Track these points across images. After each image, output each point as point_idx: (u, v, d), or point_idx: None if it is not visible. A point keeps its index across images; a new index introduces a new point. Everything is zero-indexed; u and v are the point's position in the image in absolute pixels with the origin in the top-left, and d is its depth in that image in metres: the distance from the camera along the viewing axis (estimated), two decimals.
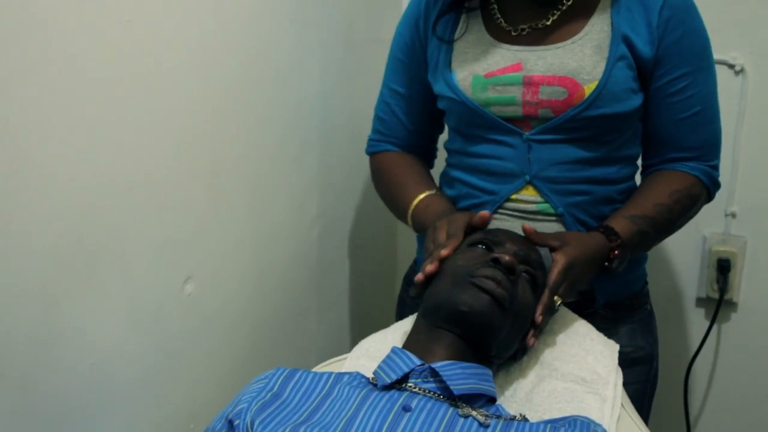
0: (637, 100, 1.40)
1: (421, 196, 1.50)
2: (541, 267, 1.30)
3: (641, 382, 1.52)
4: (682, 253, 1.94)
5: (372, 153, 1.64)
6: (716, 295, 1.90)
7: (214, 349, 1.47)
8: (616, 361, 1.32)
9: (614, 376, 1.29)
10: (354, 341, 1.91)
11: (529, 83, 1.38)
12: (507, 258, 1.21)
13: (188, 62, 1.31)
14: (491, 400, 1.19)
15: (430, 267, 1.27)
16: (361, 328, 1.97)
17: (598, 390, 1.26)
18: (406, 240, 2.08)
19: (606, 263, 1.36)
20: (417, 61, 1.54)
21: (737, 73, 1.82)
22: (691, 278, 1.95)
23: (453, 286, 1.22)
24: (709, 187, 1.47)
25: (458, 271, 1.24)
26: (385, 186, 1.62)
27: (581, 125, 1.37)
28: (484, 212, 1.36)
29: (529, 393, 1.28)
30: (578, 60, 1.36)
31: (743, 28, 1.80)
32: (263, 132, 1.54)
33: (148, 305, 1.30)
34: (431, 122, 1.63)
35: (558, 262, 1.28)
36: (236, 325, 1.52)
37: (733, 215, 1.88)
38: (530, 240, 1.32)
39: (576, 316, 1.39)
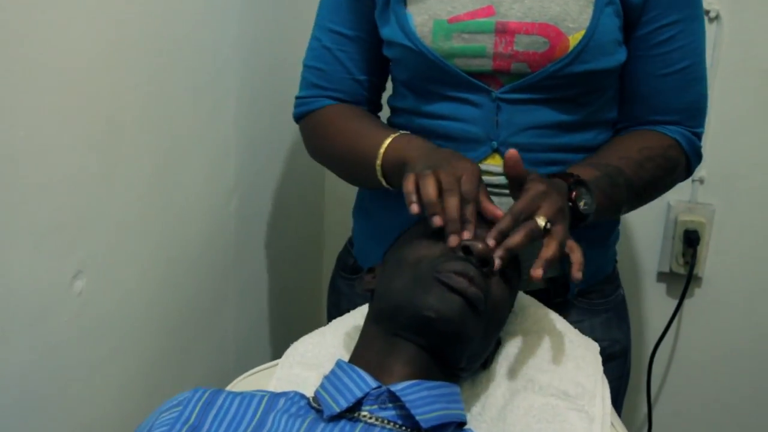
0: (622, 54, 1.20)
1: (394, 134, 1.18)
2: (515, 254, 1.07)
3: (617, 378, 1.34)
4: (644, 221, 1.76)
5: (306, 113, 1.34)
6: (682, 270, 1.72)
7: (112, 357, 1.20)
8: (601, 368, 1.12)
9: (601, 388, 1.09)
10: (278, 336, 1.70)
11: (502, 31, 1.15)
12: (480, 246, 0.98)
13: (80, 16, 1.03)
14: (460, 424, 0.97)
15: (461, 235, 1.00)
16: (287, 319, 1.76)
17: (583, 406, 1.06)
18: (337, 213, 1.84)
19: (570, 204, 1.09)
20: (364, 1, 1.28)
21: (711, 20, 1.65)
22: (652, 250, 1.77)
23: (415, 283, 0.99)
24: (689, 155, 1.27)
25: (421, 264, 1.00)
26: (332, 140, 1.29)
27: (562, 83, 1.15)
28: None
29: (502, 410, 1.07)
30: (562, 3, 1.13)
31: None
32: (169, 84, 1.27)
33: (27, 309, 1.03)
34: (383, 71, 1.35)
35: (534, 184, 1.03)
36: (139, 326, 1.26)
37: (701, 181, 1.72)
38: (512, 171, 1.06)
39: (549, 310, 1.18)
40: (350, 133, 1.26)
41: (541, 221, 0.99)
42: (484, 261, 0.98)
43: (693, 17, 1.21)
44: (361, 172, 1.22)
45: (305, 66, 1.35)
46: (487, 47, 1.15)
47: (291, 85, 1.37)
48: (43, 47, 0.99)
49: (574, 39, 1.13)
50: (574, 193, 1.09)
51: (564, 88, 1.16)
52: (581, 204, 1.09)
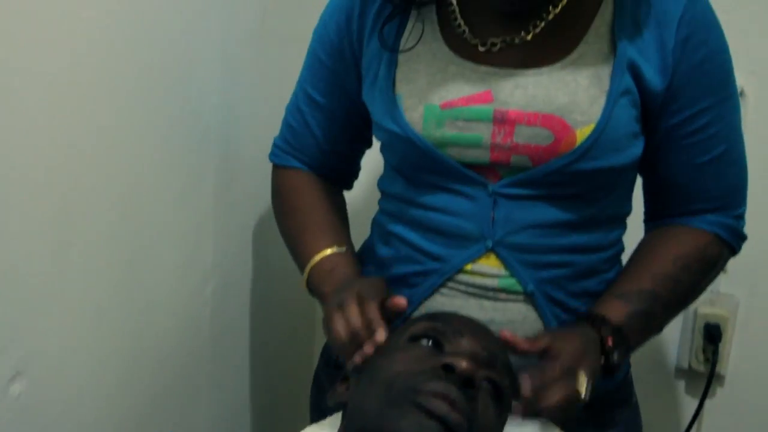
0: (638, 148, 1.07)
1: (326, 252, 1.18)
2: (508, 371, 0.96)
3: None
4: None
5: (275, 164, 1.29)
6: (702, 368, 1.58)
7: None
8: None
9: None
10: None
11: (501, 120, 1.03)
12: (464, 365, 0.87)
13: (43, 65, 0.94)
14: None
15: (356, 361, 0.97)
16: (270, 418, 1.61)
17: None
18: None
19: (603, 357, 1.02)
20: (344, 67, 1.18)
21: None
22: (670, 345, 1.63)
23: (389, 404, 0.87)
24: (731, 243, 1.16)
25: (396, 382, 0.89)
26: (284, 220, 1.29)
27: (567, 180, 1.03)
28: (400, 299, 1.02)
29: None
30: (570, 93, 1.01)
31: (744, 43, 1.46)
32: (141, 154, 1.16)
33: None
34: (353, 142, 1.28)
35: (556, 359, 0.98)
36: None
37: (724, 270, 1.56)
38: (512, 350, 0.99)
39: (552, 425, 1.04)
40: (293, 226, 1.27)
41: (581, 388, 0.95)
42: (468, 381, 0.87)
43: (726, 98, 1.10)
44: (298, 264, 1.24)
45: (285, 115, 1.29)
46: (484, 137, 1.04)
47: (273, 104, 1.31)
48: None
49: (581, 133, 1.01)
50: (609, 342, 1.02)
51: (569, 185, 1.04)
52: (615, 356, 1.02)
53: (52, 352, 1.04)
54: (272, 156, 1.29)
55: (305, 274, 1.18)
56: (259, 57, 1.42)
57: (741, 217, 1.15)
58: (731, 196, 1.14)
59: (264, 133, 1.43)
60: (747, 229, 1.54)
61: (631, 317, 1.06)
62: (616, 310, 1.05)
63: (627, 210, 1.16)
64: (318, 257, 1.17)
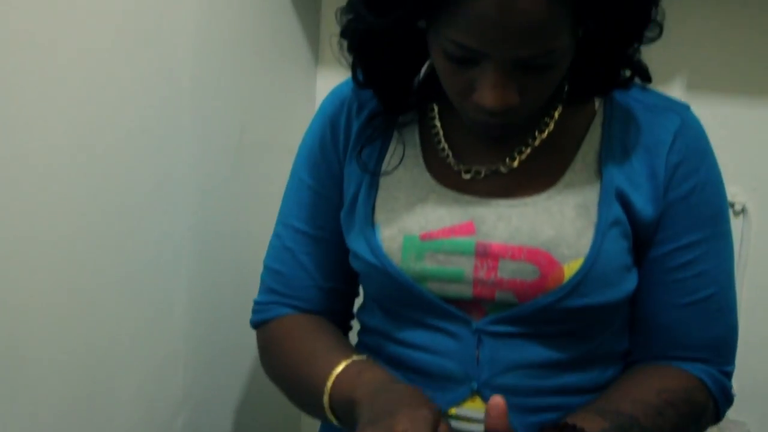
0: (631, 282, 1.00)
1: (346, 362, 0.98)
2: None
3: None
4: None
5: (261, 321, 1.14)
6: None
7: None
8: None
9: None
10: None
11: (484, 254, 0.96)
12: None
13: None
14: None
15: None
16: None
17: None
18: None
19: None
20: (334, 186, 1.09)
21: (737, 213, 1.48)
22: None
23: None
24: (717, 399, 1.04)
25: None
26: (284, 359, 1.09)
27: (555, 317, 0.96)
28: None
29: None
30: (556, 225, 0.95)
31: (745, 158, 1.48)
32: (109, 278, 1.10)
33: None
34: (356, 278, 1.14)
35: None
36: None
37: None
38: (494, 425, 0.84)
39: None
40: (303, 354, 1.05)
41: None
42: None
43: (718, 235, 1.02)
44: (312, 404, 1.01)
45: (265, 266, 1.16)
46: (466, 272, 0.96)
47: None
48: None
49: (569, 268, 0.94)
50: None
51: (559, 322, 0.97)
52: None
53: None
54: (255, 316, 1.15)
55: (327, 390, 0.96)
56: (235, 175, 1.37)
57: (729, 376, 1.05)
58: (718, 349, 1.04)
59: (240, 255, 1.36)
60: (754, 354, 1.48)
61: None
62: (589, 422, 0.92)
63: (624, 345, 1.07)
64: (339, 368, 0.97)
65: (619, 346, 1.06)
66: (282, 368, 1.10)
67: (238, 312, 1.25)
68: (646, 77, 0.99)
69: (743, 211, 1.47)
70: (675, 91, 1.46)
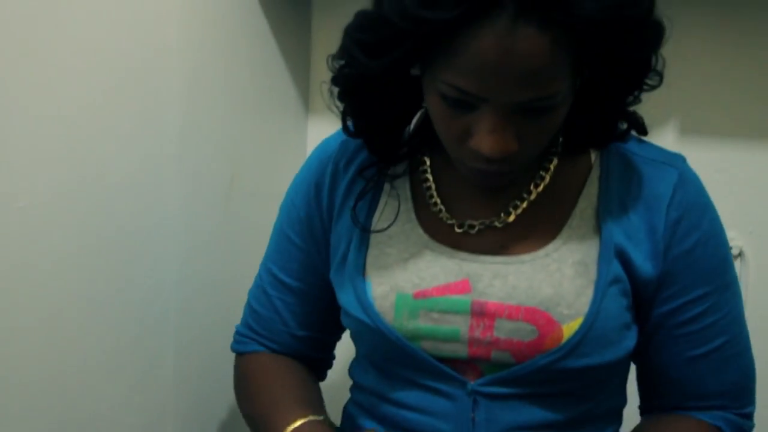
0: (631, 340, 0.98)
1: (302, 420, 0.98)
2: None
3: None
4: None
5: (238, 351, 1.16)
6: None
7: None
8: None
9: None
10: None
11: (480, 313, 0.94)
12: None
13: None
14: None
15: None
16: None
17: None
18: None
19: None
20: (315, 245, 1.08)
21: (735, 257, 1.45)
22: None
23: None
24: None
25: None
26: (249, 402, 1.11)
27: (554, 378, 0.94)
28: None
29: None
30: (555, 284, 0.93)
31: (742, 203, 1.47)
32: (92, 337, 1.09)
33: None
34: (330, 327, 1.13)
35: None
36: None
37: None
38: None
39: None
40: (266, 398, 1.07)
41: None
42: None
43: (725, 286, 1.00)
44: None
45: (247, 299, 1.17)
46: (462, 331, 0.94)
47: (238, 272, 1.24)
48: None
49: (569, 328, 0.92)
50: None
51: (557, 382, 0.95)
52: None
53: None
54: (235, 345, 1.17)
55: None
56: (223, 228, 1.35)
57: (749, 417, 1.03)
58: (734, 394, 1.02)
59: (228, 307, 1.34)
60: (761, 398, 1.46)
61: None
62: None
63: (623, 402, 1.05)
64: (294, 425, 0.98)
65: (617, 404, 1.04)
66: (248, 405, 1.12)
67: (226, 364, 1.23)
68: (643, 130, 0.98)
69: (741, 255, 1.45)
70: (669, 135, 1.46)
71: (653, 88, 0.93)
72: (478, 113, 0.84)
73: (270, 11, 1.43)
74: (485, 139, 0.84)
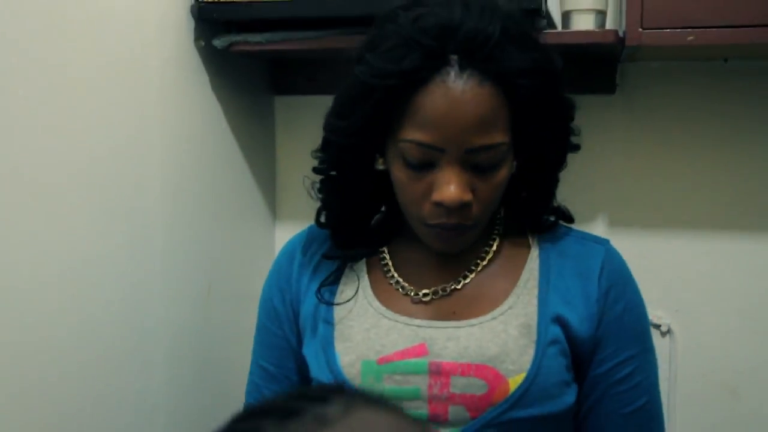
0: (570, 396, 1.11)
1: None
2: None
3: None
4: None
5: None
6: None
7: None
8: None
9: None
10: None
11: (436, 372, 1.07)
12: None
13: None
14: None
15: None
16: None
17: None
18: None
19: None
20: (291, 330, 1.22)
21: (664, 334, 1.62)
22: None
23: None
24: None
25: None
26: None
27: (505, 430, 1.06)
28: None
29: None
30: (501, 343, 1.07)
31: (665, 283, 1.64)
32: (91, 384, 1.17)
33: None
34: None
35: None
36: None
37: None
38: None
39: None
40: None
41: None
42: None
43: (646, 350, 1.15)
44: None
45: (245, 398, 1.27)
46: (421, 389, 1.08)
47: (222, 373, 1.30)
48: None
49: (514, 382, 1.05)
50: None
51: None
52: None
53: None
54: None
55: None
56: (204, 330, 1.47)
57: None
58: None
59: (210, 405, 1.45)
60: None
61: None
62: None
63: None
64: None
65: None
66: None
67: (212, 403, 1.33)
68: (570, 218, 1.16)
69: (669, 331, 1.61)
70: (598, 227, 1.63)
71: (577, 148, 1.11)
72: (437, 170, 1.01)
73: (240, 137, 1.61)
74: (444, 189, 1.01)
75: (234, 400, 1.27)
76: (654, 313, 1.59)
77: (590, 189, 1.64)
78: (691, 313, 1.62)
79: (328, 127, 1.09)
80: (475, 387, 1.06)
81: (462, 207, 1.02)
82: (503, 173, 1.05)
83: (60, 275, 1.11)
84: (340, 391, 0.60)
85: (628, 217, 1.65)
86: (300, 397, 0.58)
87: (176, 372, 1.38)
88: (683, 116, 1.61)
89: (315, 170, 1.14)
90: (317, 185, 1.15)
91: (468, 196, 1.02)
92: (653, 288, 1.55)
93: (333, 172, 1.13)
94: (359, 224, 1.17)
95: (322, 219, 1.17)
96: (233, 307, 1.56)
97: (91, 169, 1.18)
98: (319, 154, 1.13)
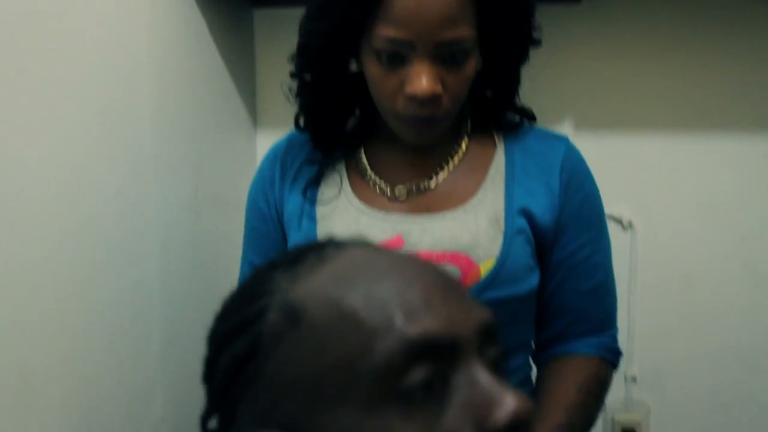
0: (535, 279, 1.23)
1: None
2: None
3: None
4: None
5: None
6: None
7: None
8: None
9: None
10: None
11: None
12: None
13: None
14: None
15: None
16: None
17: None
18: None
19: None
20: (275, 230, 1.32)
21: (625, 228, 1.73)
22: None
23: None
24: (613, 362, 1.30)
25: None
26: None
27: None
28: None
29: None
30: (472, 234, 1.17)
31: (627, 180, 1.75)
32: (90, 327, 1.26)
33: None
34: None
35: None
36: None
37: (634, 379, 1.74)
38: None
39: None
40: None
41: None
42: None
43: (602, 233, 1.27)
44: None
45: None
46: None
47: (211, 264, 1.41)
48: None
49: (484, 267, 1.16)
50: None
51: None
52: None
53: None
54: None
55: None
56: (193, 226, 1.56)
57: (615, 338, 1.30)
58: (607, 319, 1.29)
59: (202, 293, 1.55)
60: (650, 345, 1.73)
61: None
62: None
63: (530, 336, 1.30)
64: None
65: (527, 336, 1.29)
66: None
67: (203, 342, 1.43)
68: (533, 117, 1.26)
69: (630, 225, 1.72)
70: (565, 129, 1.72)
71: (539, 42, 1.19)
72: (408, 65, 1.10)
73: (221, 49, 1.67)
74: (416, 82, 1.09)
75: (225, 288, 1.36)
76: (616, 208, 1.71)
77: (557, 92, 1.72)
78: (650, 207, 1.73)
79: (304, 31, 1.17)
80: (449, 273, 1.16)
81: (433, 99, 1.10)
82: (471, 67, 1.13)
83: (56, 176, 1.18)
84: (332, 240, 0.71)
85: (594, 119, 1.74)
86: (299, 250, 0.68)
87: (170, 265, 1.47)
88: (647, 23, 1.69)
89: (292, 75, 1.22)
90: (294, 90, 1.23)
91: (438, 88, 1.10)
92: (616, 184, 1.68)
93: (309, 75, 1.20)
94: (336, 126, 1.25)
95: (301, 122, 1.25)
96: (219, 207, 1.64)
97: (82, 70, 1.23)
98: (295, 59, 1.21)
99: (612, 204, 1.66)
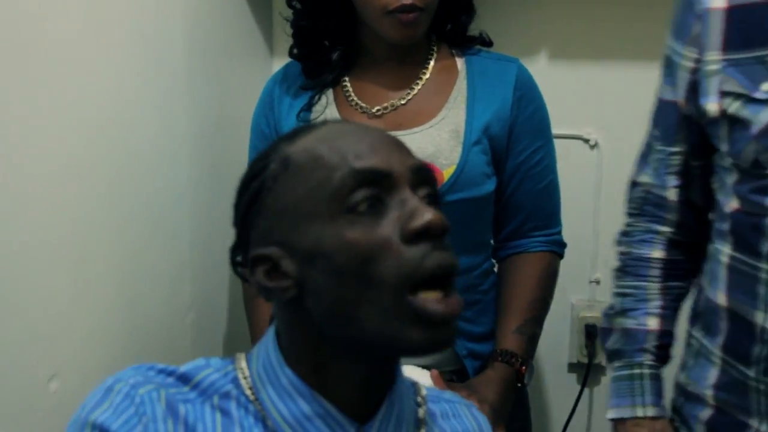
0: (491, 185, 1.46)
1: None
2: None
3: None
4: (553, 320, 1.95)
5: None
6: (585, 361, 1.96)
7: None
8: None
9: None
10: None
11: None
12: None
13: (50, 148, 1.28)
14: None
15: None
16: None
17: None
18: None
19: (519, 384, 1.41)
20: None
21: (592, 147, 1.92)
22: (562, 344, 2.01)
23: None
24: (561, 253, 1.55)
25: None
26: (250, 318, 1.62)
27: (443, 210, 1.41)
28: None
29: None
30: (436, 144, 1.41)
31: (595, 105, 1.92)
32: (131, 219, 1.51)
33: (11, 404, 1.25)
34: None
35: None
36: None
37: (597, 282, 1.97)
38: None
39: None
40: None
41: None
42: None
43: (549, 140, 1.51)
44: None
45: None
46: None
47: (234, 163, 1.56)
48: (25, 197, 1.24)
49: (447, 173, 1.40)
50: (523, 369, 1.41)
51: (446, 214, 1.42)
52: (525, 379, 1.42)
53: (77, 359, 1.37)
54: None
55: None
56: (216, 140, 1.80)
57: (560, 233, 1.55)
58: (554, 216, 1.54)
59: (224, 195, 1.80)
60: (612, 248, 1.94)
61: (528, 344, 1.45)
62: (518, 344, 1.43)
63: (489, 237, 1.55)
64: None
65: (487, 237, 1.53)
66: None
67: (229, 235, 1.68)
68: (489, 43, 1.50)
69: (596, 145, 1.93)
70: (540, 60, 1.90)
71: None
72: None
73: None
74: None
75: None
76: (584, 130, 1.91)
77: (533, 27, 1.90)
78: (615, 129, 1.90)
79: None
80: None
81: None
82: None
83: (101, 90, 1.40)
84: (322, 120, 0.99)
85: (566, 51, 1.91)
86: (299, 127, 0.94)
87: (199, 169, 1.71)
88: None
89: (288, 3, 1.46)
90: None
91: None
92: (585, 109, 1.88)
93: (298, 4, 1.43)
94: (323, 54, 1.48)
95: (295, 51, 1.49)
96: (240, 126, 1.86)
97: (116, 15, 1.44)
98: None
99: (580, 126, 1.90)
